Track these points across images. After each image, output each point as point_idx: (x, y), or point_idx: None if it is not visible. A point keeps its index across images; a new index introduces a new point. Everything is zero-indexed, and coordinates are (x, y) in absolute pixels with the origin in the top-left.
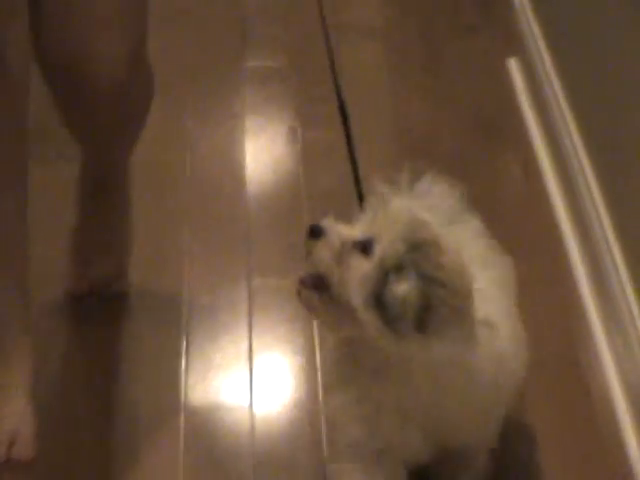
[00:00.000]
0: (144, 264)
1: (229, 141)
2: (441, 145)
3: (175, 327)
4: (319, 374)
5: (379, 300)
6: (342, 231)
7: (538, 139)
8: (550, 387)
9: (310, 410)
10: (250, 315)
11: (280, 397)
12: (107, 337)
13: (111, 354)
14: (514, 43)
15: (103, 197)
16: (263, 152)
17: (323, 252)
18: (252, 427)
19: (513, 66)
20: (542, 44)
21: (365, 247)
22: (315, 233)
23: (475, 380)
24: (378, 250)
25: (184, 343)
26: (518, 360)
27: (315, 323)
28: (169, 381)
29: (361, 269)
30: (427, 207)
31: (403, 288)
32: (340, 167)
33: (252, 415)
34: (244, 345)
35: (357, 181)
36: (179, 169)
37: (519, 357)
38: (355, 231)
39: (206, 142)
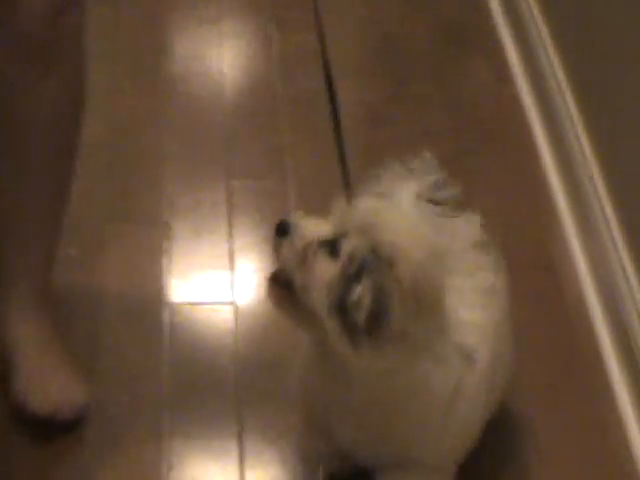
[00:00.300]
0: (124, 167)
1: (206, 45)
2: (415, 49)
3: (156, 227)
4: None
5: (342, 307)
6: (308, 230)
7: (510, 43)
8: (525, 290)
9: None
10: (230, 216)
11: (261, 294)
12: None
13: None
14: None
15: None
16: (240, 56)
17: (288, 253)
18: (235, 323)
19: None
20: None
21: (333, 247)
22: (281, 231)
23: (418, 399)
24: (342, 254)
25: (166, 243)
26: (493, 391)
27: None
28: (152, 280)
29: (326, 273)
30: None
31: (357, 294)
32: (316, 70)
33: (234, 311)
34: (225, 245)
35: (344, 165)
36: (155, 72)
37: (495, 385)
38: (323, 228)
39: (183, 46)
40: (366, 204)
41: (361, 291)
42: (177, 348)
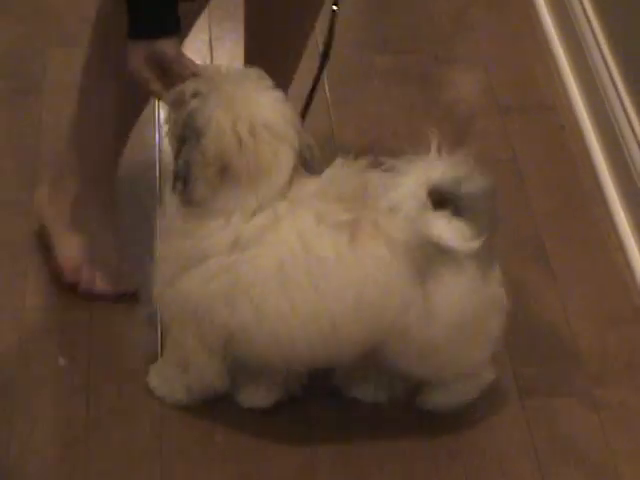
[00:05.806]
0: None
1: None
2: None
3: None
4: None
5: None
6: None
7: None
8: (530, 127)
9: None
10: None
11: None
12: None
13: None
14: None
15: None
16: None
17: (173, 94)
18: None
19: None
20: None
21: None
22: None
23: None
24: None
25: None
26: None
27: None
28: None
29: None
30: None
31: (179, 160)
32: None
33: None
34: None
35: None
36: None
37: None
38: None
39: None
40: (228, 67)
41: (179, 159)
42: None
